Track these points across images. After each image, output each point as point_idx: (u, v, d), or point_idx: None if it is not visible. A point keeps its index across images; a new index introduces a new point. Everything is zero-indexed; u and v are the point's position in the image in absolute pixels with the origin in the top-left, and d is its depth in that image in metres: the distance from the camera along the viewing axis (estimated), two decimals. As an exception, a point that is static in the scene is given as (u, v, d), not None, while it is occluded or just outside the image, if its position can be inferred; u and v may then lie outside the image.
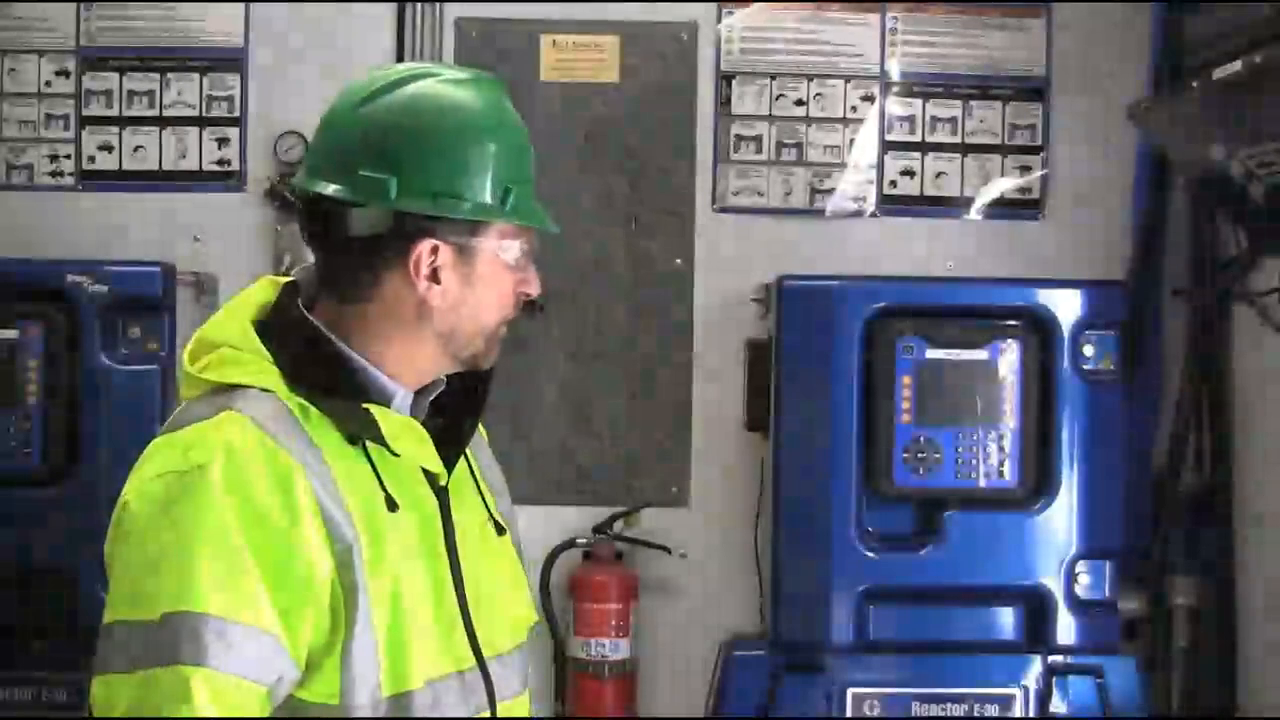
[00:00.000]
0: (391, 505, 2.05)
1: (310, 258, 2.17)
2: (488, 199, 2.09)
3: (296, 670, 1.94)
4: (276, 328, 2.10)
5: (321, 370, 2.07)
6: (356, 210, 2.06)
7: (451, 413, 2.25)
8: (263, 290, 2.18)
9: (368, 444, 2.06)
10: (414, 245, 2.07)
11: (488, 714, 2.13)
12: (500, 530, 2.30)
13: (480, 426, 2.39)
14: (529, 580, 2.42)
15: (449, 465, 2.17)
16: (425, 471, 2.13)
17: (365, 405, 2.05)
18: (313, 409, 2.04)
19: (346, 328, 2.11)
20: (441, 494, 2.15)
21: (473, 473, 2.28)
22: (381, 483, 2.05)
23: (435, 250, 2.08)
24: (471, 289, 2.11)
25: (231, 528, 1.89)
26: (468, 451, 2.27)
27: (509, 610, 2.27)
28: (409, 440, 2.08)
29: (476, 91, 2.14)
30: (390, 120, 2.08)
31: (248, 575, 1.89)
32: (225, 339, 2.07)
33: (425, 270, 2.08)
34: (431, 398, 2.23)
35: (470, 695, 2.10)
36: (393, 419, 2.07)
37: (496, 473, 2.41)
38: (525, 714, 2.26)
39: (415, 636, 2.02)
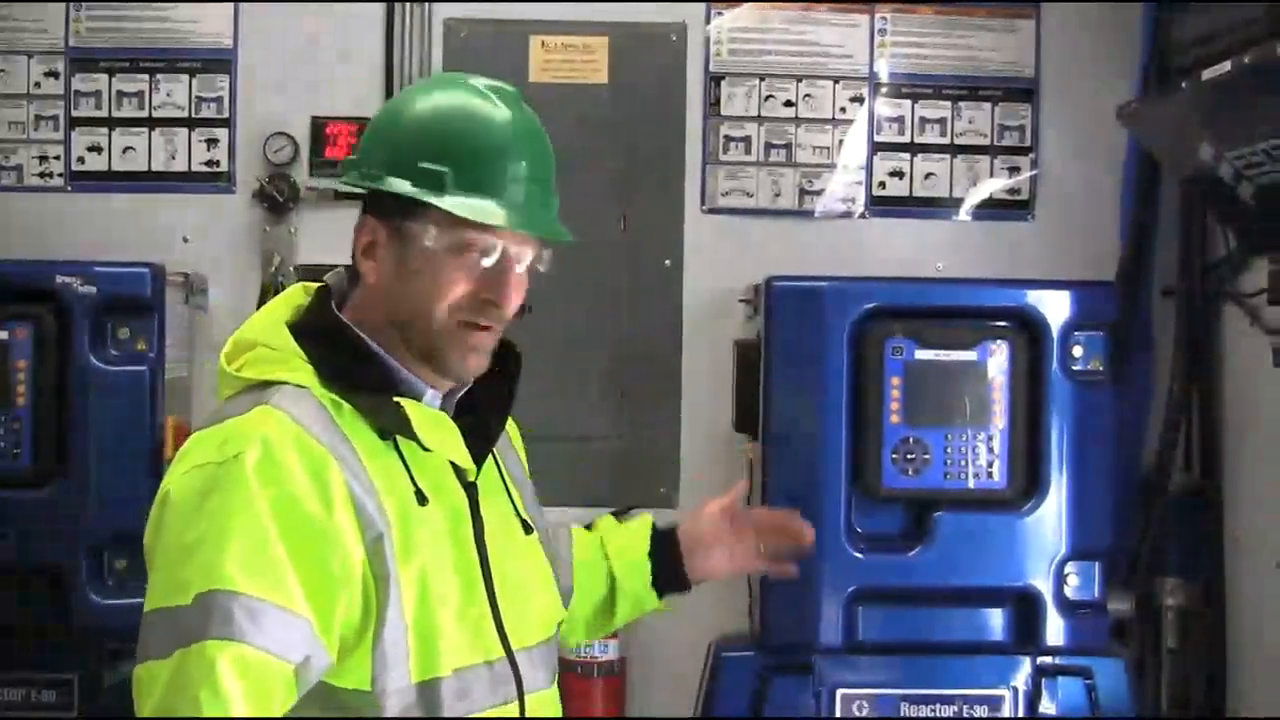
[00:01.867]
0: (421, 499, 2.10)
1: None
2: (410, 181, 2.13)
3: (328, 656, 1.98)
4: (309, 328, 2.17)
5: (353, 366, 2.14)
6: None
7: (479, 411, 2.29)
8: (296, 295, 2.26)
9: (399, 440, 2.11)
10: (364, 225, 2.17)
11: (515, 704, 2.17)
12: (528, 529, 2.34)
13: (515, 430, 2.50)
14: None
15: (477, 462, 2.21)
16: (455, 469, 2.17)
17: (395, 399, 2.10)
18: (345, 404, 2.10)
19: (369, 326, 2.18)
20: (470, 490, 2.19)
21: (500, 473, 2.31)
22: (412, 477, 2.10)
23: (373, 229, 2.16)
24: (405, 274, 2.15)
25: (264, 514, 1.94)
26: (495, 452, 2.32)
27: (537, 605, 2.31)
28: (438, 433, 2.12)
29: (455, 88, 2.22)
30: (379, 113, 2.24)
31: (279, 560, 1.94)
32: (260, 339, 2.14)
33: (363, 244, 2.17)
34: (458, 397, 2.28)
35: (499, 686, 2.15)
36: (422, 411, 2.12)
37: (524, 474, 2.47)
38: (555, 707, 2.29)
39: (443, 626, 2.07)
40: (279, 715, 1.93)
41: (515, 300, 2.17)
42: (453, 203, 2.10)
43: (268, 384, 2.09)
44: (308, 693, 1.98)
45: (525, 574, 2.29)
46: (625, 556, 2.69)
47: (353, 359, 2.14)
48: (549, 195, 2.22)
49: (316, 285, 2.27)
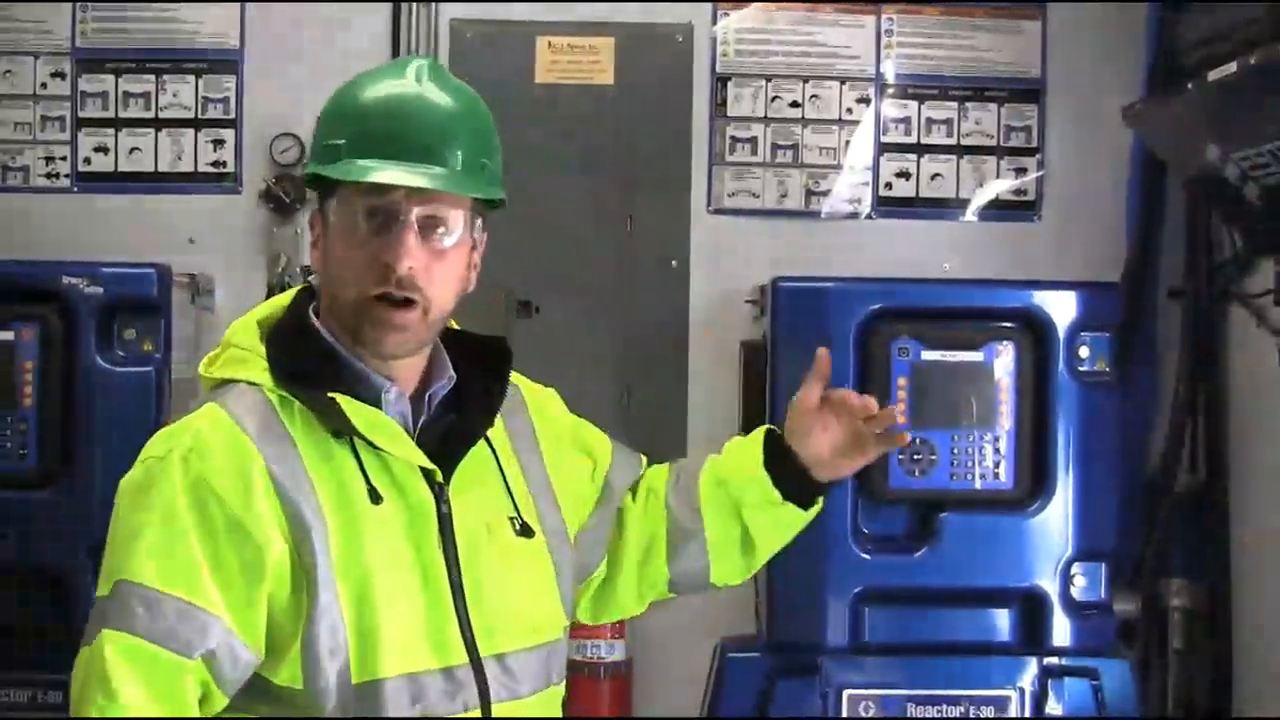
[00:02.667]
0: (375, 498, 2.07)
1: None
2: (318, 158, 2.15)
3: (249, 649, 1.99)
4: (279, 327, 2.19)
5: (304, 364, 2.13)
6: None
7: (467, 410, 2.26)
8: (286, 297, 2.27)
9: (355, 439, 2.09)
10: (311, 221, 2.21)
11: (478, 712, 2.11)
12: (528, 531, 2.26)
13: (556, 428, 2.47)
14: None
15: (453, 463, 2.17)
16: (424, 468, 2.14)
17: (331, 395, 2.08)
18: (296, 402, 2.09)
19: (332, 323, 2.18)
20: (439, 490, 2.15)
21: (501, 473, 2.27)
22: (366, 475, 2.08)
23: (316, 222, 2.18)
24: (329, 254, 2.15)
25: (180, 506, 1.98)
26: (495, 451, 2.27)
27: (526, 611, 2.23)
28: (384, 434, 2.09)
29: (380, 69, 2.22)
30: None
31: (190, 552, 1.96)
32: (233, 340, 2.17)
33: (312, 239, 2.19)
34: (439, 396, 2.24)
35: (458, 692, 2.09)
36: (364, 411, 2.09)
37: (539, 472, 2.37)
38: (536, 714, 2.21)
39: (389, 626, 2.04)
40: (187, 704, 1.95)
41: (408, 260, 2.06)
42: (328, 168, 2.10)
43: (230, 382, 2.12)
44: (247, 687, 2.00)
45: (509, 577, 2.20)
46: (741, 474, 2.50)
47: (304, 356, 2.14)
48: (478, 160, 2.14)
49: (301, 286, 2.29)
